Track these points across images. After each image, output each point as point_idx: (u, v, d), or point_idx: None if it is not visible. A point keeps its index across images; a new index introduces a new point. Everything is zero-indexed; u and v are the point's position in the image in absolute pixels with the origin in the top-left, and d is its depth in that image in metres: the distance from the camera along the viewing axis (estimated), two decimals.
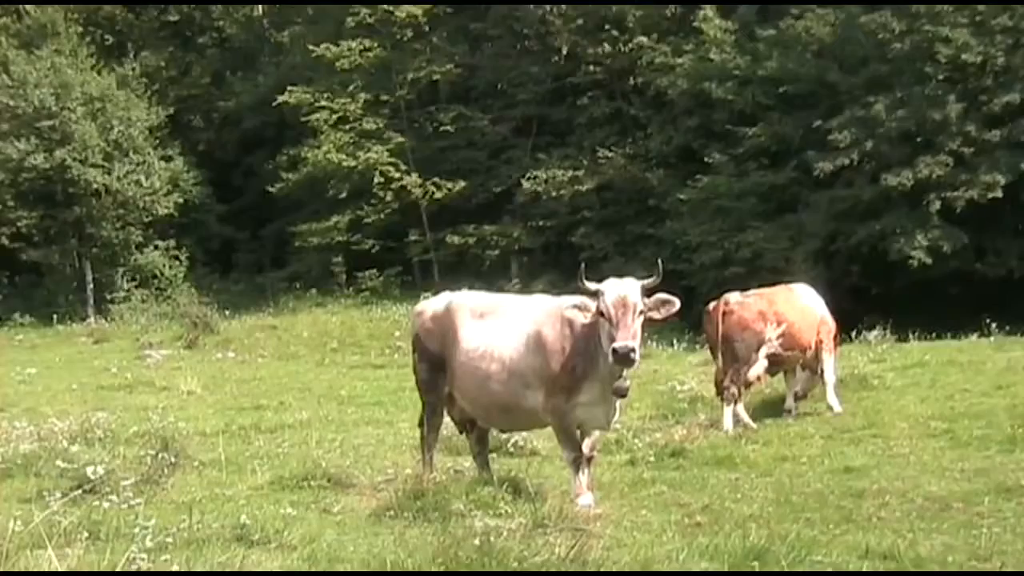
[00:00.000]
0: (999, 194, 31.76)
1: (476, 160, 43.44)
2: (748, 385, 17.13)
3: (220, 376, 24.84)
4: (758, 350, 16.72)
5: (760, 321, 16.76)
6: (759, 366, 16.91)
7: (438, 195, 42.07)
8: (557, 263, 38.95)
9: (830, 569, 8.54)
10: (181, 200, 44.96)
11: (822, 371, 17.35)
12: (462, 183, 42.25)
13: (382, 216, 42.40)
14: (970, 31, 32.61)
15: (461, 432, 12.71)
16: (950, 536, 9.73)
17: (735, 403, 16.41)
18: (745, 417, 16.47)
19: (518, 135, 43.95)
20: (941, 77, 33.07)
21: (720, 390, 16.69)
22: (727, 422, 16.15)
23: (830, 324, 17.61)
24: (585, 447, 11.32)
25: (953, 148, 32.27)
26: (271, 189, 44.26)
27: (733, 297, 17.22)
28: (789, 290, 18.01)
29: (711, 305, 17.41)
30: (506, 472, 12.14)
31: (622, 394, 10.97)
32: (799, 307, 17.37)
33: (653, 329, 18.82)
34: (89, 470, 10.74)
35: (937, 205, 31.93)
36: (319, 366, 28.08)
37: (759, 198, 36.03)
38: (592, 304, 10.68)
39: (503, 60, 44.68)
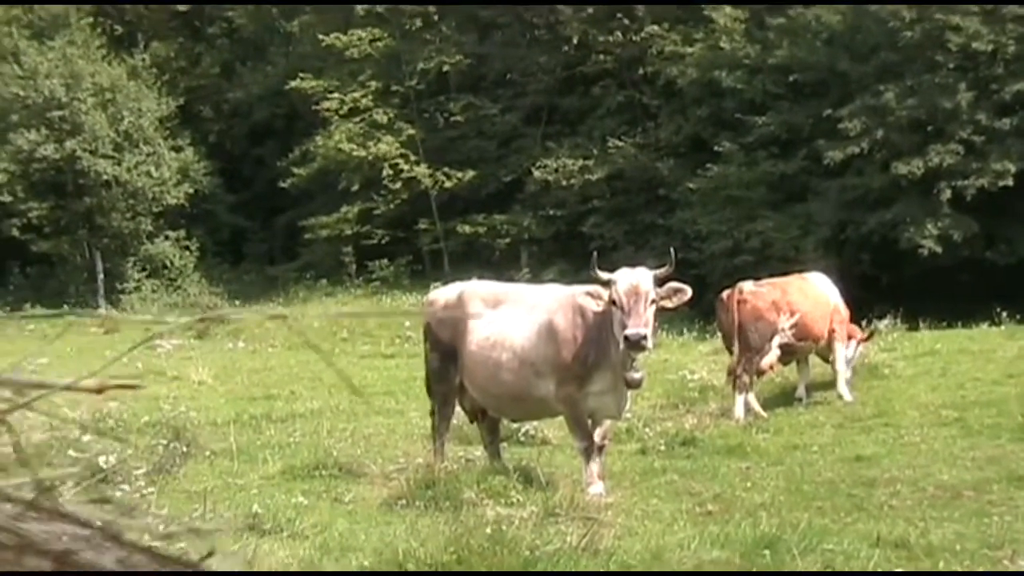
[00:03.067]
0: (1010, 182, 31.70)
1: (486, 150, 43.39)
2: (760, 374, 17.13)
3: (231, 366, 24.86)
4: (771, 339, 16.70)
5: (773, 311, 16.74)
6: (772, 355, 16.90)
7: (448, 185, 42.06)
8: (567, 252, 38.92)
9: (841, 558, 8.55)
10: (191, 190, 45.02)
11: (833, 360, 17.36)
12: (472, 173, 42.23)
13: (392, 206, 42.41)
14: (980, 19, 32.52)
15: (472, 421, 12.73)
16: (961, 524, 9.72)
17: (747, 392, 16.41)
18: (756, 406, 16.46)
19: (528, 124, 43.89)
20: (952, 65, 32.99)
21: (732, 378, 16.69)
22: (738, 410, 16.14)
23: (843, 313, 17.60)
24: (596, 436, 11.33)
25: (964, 136, 32.21)
26: (283, 184, 44.29)
27: (747, 286, 17.18)
28: (803, 279, 18.00)
29: (725, 294, 17.38)
30: (517, 461, 12.16)
31: (636, 385, 11.00)
32: (812, 296, 17.36)
33: (664, 318, 18.78)
34: (101, 459, 10.76)
35: (948, 194, 31.89)
36: (330, 356, 28.08)
37: (769, 187, 35.99)
38: (604, 292, 10.70)
39: (513, 49, 44.60)
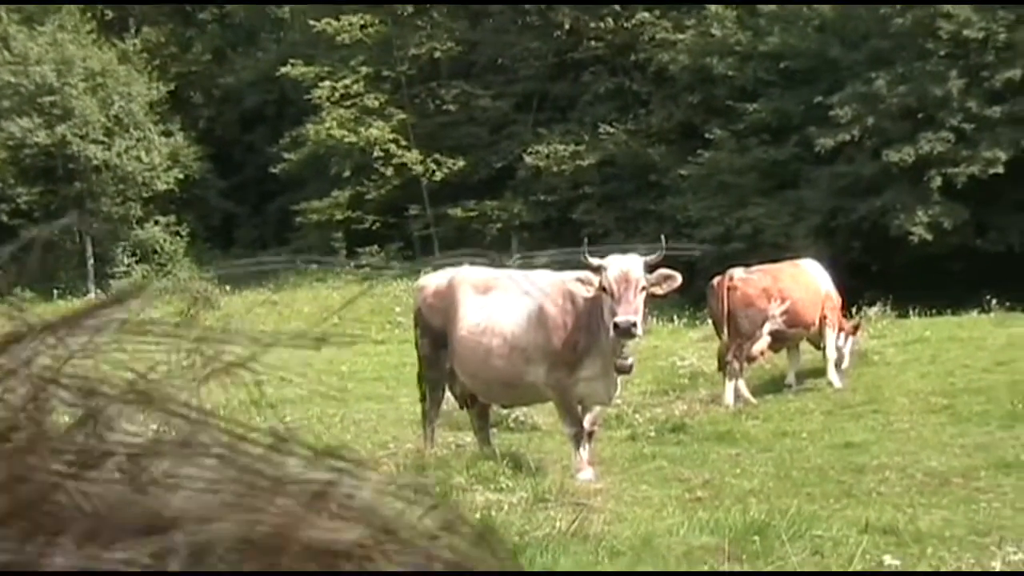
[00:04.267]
0: (1000, 170, 31.70)
1: (477, 136, 43.35)
2: (751, 360, 17.16)
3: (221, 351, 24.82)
4: (762, 326, 16.72)
5: (764, 298, 16.76)
6: (762, 342, 16.92)
7: (439, 174, 42.07)
8: (558, 239, 38.88)
9: (830, 544, 8.57)
10: (181, 176, 44.94)
11: (824, 346, 17.38)
12: (463, 161, 42.20)
13: (383, 192, 42.41)
14: (972, 7, 32.54)
15: (462, 407, 12.75)
16: (950, 511, 9.76)
17: (737, 378, 16.43)
18: (746, 392, 16.49)
19: (519, 111, 43.85)
20: (943, 53, 32.99)
21: (722, 365, 16.71)
22: (728, 397, 16.17)
23: (835, 300, 17.62)
24: (586, 422, 11.36)
25: (954, 124, 32.23)
26: (274, 170, 44.24)
27: (737, 273, 17.19)
28: (795, 266, 18.02)
29: (715, 280, 17.40)
30: (507, 447, 12.19)
31: (626, 371, 11.02)
32: (804, 283, 17.37)
33: (654, 304, 18.81)
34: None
35: (938, 181, 31.90)
36: (319, 341, 28.05)
37: (760, 174, 36.00)
38: (595, 278, 10.71)
39: (504, 35, 44.53)
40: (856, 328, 18.37)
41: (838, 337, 17.53)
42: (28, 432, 1.03)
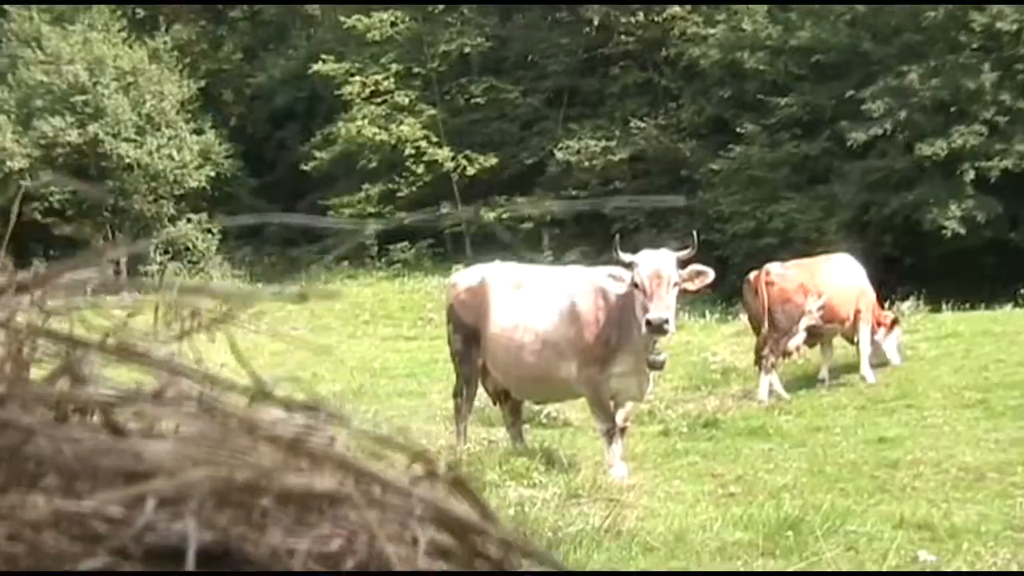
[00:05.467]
0: None
1: (508, 132, 43.35)
2: (787, 355, 17.14)
3: (253, 348, 24.70)
4: (798, 322, 16.68)
5: (801, 293, 16.72)
6: (798, 337, 16.89)
7: (470, 171, 42.09)
8: (589, 235, 38.84)
9: (864, 539, 8.54)
10: (213, 173, 45.10)
11: (858, 341, 17.33)
12: (493, 157, 42.20)
13: (414, 189, 42.47)
14: None
15: (495, 403, 12.76)
16: (984, 506, 9.72)
17: (771, 373, 16.41)
18: (779, 387, 16.46)
19: (549, 106, 43.83)
20: (975, 46, 32.82)
21: (759, 360, 16.68)
22: (762, 392, 16.15)
23: (870, 295, 17.56)
24: (618, 418, 11.35)
25: (987, 117, 32.07)
26: (305, 168, 44.34)
27: (774, 268, 17.17)
28: (830, 260, 17.98)
29: (752, 275, 17.37)
30: (539, 443, 12.18)
31: (658, 367, 11.02)
32: (839, 278, 17.33)
33: (685, 300, 18.79)
34: None
35: (971, 175, 31.74)
36: (351, 338, 28.13)
37: (792, 169, 35.90)
38: (626, 274, 10.70)
39: (534, 31, 44.52)
40: (895, 323, 18.31)
41: (877, 332, 17.48)
42: (8, 383, 1.04)
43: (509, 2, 44.34)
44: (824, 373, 17.40)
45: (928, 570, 8.12)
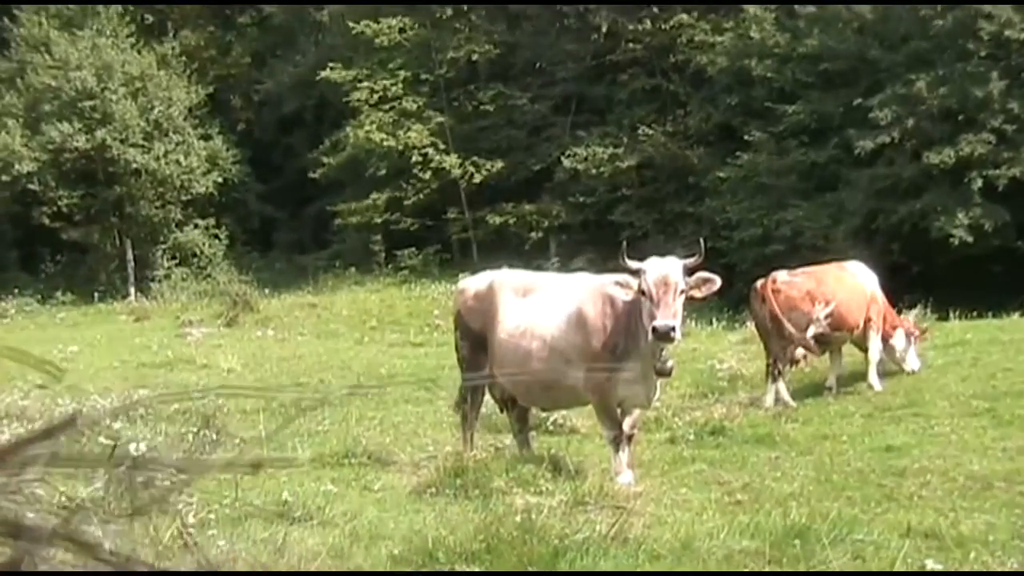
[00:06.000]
0: None
1: (515, 138, 43.40)
2: (795, 363, 17.11)
3: (260, 354, 24.92)
4: (806, 329, 16.62)
5: (808, 301, 16.66)
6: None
7: (477, 178, 42.13)
8: (596, 241, 38.86)
9: (871, 548, 8.53)
10: (220, 179, 45.23)
11: (867, 348, 17.30)
12: (501, 164, 42.27)
13: (422, 195, 42.54)
14: (1013, 7, 32.37)
15: (502, 410, 12.76)
16: (992, 515, 9.70)
17: (779, 381, 16.39)
18: (785, 395, 16.42)
19: (557, 113, 43.87)
20: (983, 54, 32.83)
21: (769, 367, 16.66)
22: (769, 399, 16.13)
23: (880, 303, 17.52)
24: (625, 425, 11.35)
25: (995, 125, 32.06)
26: (313, 175, 44.42)
27: (781, 276, 17.11)
28: (840, 268, 17.92)
29: (759, 283, 17.32)
30: (546, 450, 12.18)
31: (666, 374, 11.01)
32: (848, 285, 17.27)
33: (692, 307, 18.78)
34: (132, 447, 10.81)
35: (979, 183, 31.74)
36: (358, 344, 28.14)
37: (799, 176, 35.91)
38: (633, 282, 10.69)
39: (542, 38, 44.57)
40: (924, 331, 18.32)
41: (894, 339, 17.46)
42: None
43: (517, 2, 44.30)
44: (832, 381, 17.34)
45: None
